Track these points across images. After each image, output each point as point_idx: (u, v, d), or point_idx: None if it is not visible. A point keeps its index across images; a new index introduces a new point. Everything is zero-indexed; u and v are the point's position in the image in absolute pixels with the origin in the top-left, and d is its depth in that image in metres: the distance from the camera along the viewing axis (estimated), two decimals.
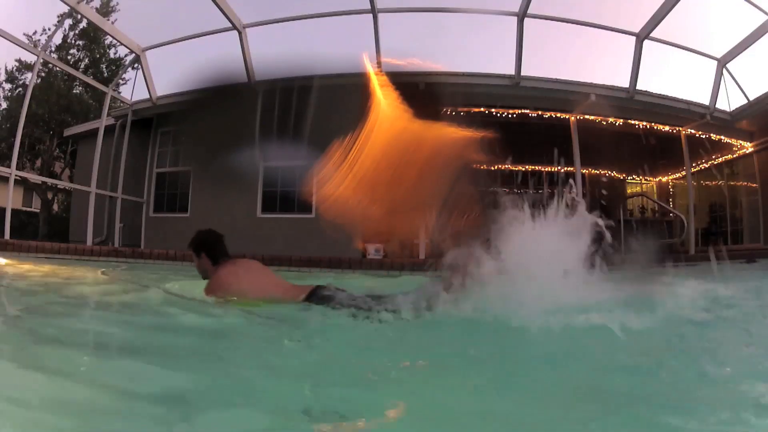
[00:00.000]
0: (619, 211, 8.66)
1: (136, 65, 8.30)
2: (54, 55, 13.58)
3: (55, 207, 16.70)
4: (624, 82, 7.43)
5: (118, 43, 10.17)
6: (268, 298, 2.22)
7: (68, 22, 13.70)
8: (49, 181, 14.76)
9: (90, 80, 11.40)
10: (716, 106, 7.80)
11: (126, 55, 11.65)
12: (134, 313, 2.22)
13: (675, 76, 8.13)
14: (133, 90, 8.76)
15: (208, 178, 5.91)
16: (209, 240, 2.49)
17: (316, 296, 2.16)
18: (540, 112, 7.93)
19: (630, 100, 7.45)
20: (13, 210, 7.15)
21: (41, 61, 8.62)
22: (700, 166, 10.21)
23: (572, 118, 7.63)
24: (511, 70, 7.26)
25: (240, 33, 7.19)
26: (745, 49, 7.25)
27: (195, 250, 2.47)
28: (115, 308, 2.35)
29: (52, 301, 2.51)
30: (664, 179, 12.04)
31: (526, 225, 2.17)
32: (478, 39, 8.16)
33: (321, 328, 1.94)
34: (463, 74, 7.24)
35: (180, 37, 7.63)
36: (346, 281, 2.84)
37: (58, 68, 13.33)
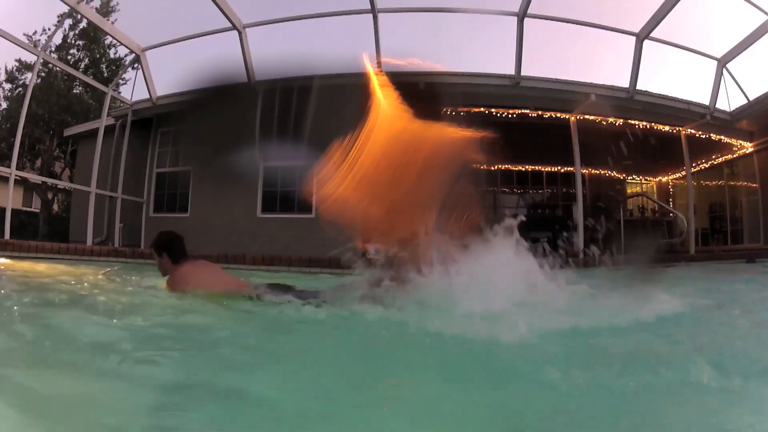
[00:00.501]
0: (618, 211, 8.66)
1: (136, 65, 8.30)
2: (54, 55, 13.58)
3: (55, 207, 16.70)
4: (624, 82, 7.43)
5: (118, 43, 10.17)
6: (222, 292, 2.49)
7: (68, 22, 13.71)
8: (49, 181, 14.76)
9: (90, 80, 11.39)
10: (716, 106, 7.80)
11: (126, 55, 11.67)
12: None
13: (675, 76, 8.13)
14: (133, 90, 8.77)
15: (208, 178, 5.91)
16: (168, 241, 2.72)
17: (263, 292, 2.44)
18: (540, 112, 7.94)
19: (630, 100, 7.45)
20: (13, 210, 7.16)
21: (41, 61, 8.62)
22: (701, 166, 10.22)
23: (572, 118, 7.63)
24: (511, 70, 7.27)
25: (240, 33, 7.19)
26: (745, 49, 7.25)
27: (156, 250, 2.70)
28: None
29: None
30: (664, 179, 12.04)
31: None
32: (478, 39, 8.17)
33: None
34: (463, 74, 7.24)
35: (180, 37, 7.63)
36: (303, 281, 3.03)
37: (58, 68, 13.33)
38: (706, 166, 10.19)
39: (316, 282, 2.94)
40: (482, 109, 7.56)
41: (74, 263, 5.04)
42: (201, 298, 2.38)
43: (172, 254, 2.65)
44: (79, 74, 11.22)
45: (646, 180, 12.17)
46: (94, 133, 8.60)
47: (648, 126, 8.18)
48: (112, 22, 9.89)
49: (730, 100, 7.98)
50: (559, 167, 10.49)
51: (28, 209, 17.40)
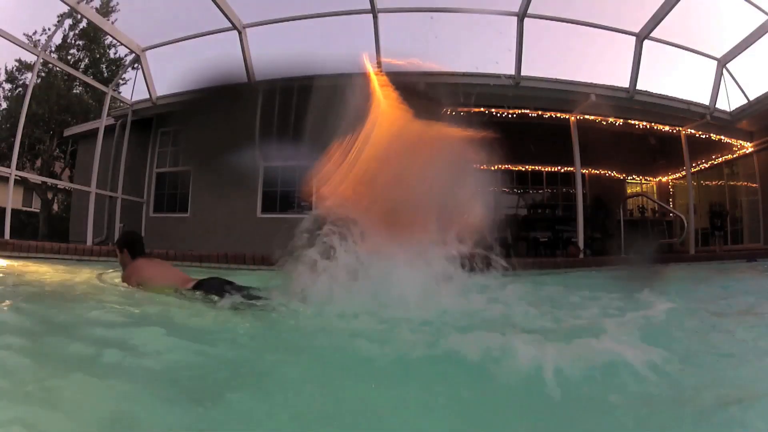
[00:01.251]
0: (618, 211, 8.64)
1: (136, 65, 8.30)
2: (54, 55, 13.58)
3: (55, 207, 16.71)
4: (624, 82, 7.43)
5: (118, 43, 10.17)
6: (168, 285, 2.69)
7: (68, 22, 13.70)
8: (49, 181, 14.76)
9: (90, 80, 11.39)
10: (716, 106, 7.80)
11: (126, 55, 11.66)
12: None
13: (675, 76, 8.14)
14: (133, 90, 8.77)
15: (208, 178, 5.91)
16: (131, 240, 3.08)
17: (203, 286, 2.57)
18: (540, 112, 7.93)
19: (630, 100, 7.45)
20: (13, 210, 7.15)
21: (41, 61, 8.61)
22: (701, 166, 10.21)
23: (572, 118, 7.62)
24: (511, 70, 7.26)
25: (240, 33, 7.19)
26: (745, 49, 7.25)
27: (119, 246, 3.03)
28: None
29: None
30: (664, 179, 12.03)
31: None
32: (478, 39, 8.16)
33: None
34: (463, 74, 7.23)
35: (180, 37, 7.63)
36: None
37: (58, 68, 13.33)
38: (706, 166, 10.18)
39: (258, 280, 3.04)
40: (482, 109, 7.56)
41: (74, 263, 5.04)
42: (150, 290, 2.64)
43: (131, 251, 2.98)
44: (79, 74, 11.22)
45: (646, 180, 12.16)
46: (94, 133, 8.60)
47: (648, 126, 8.18)
48: (112, 22, 9.89)
49: (730, 100, 7.99)
50: (559, 167, 10.48)
51: (28, 209, 17.39)
